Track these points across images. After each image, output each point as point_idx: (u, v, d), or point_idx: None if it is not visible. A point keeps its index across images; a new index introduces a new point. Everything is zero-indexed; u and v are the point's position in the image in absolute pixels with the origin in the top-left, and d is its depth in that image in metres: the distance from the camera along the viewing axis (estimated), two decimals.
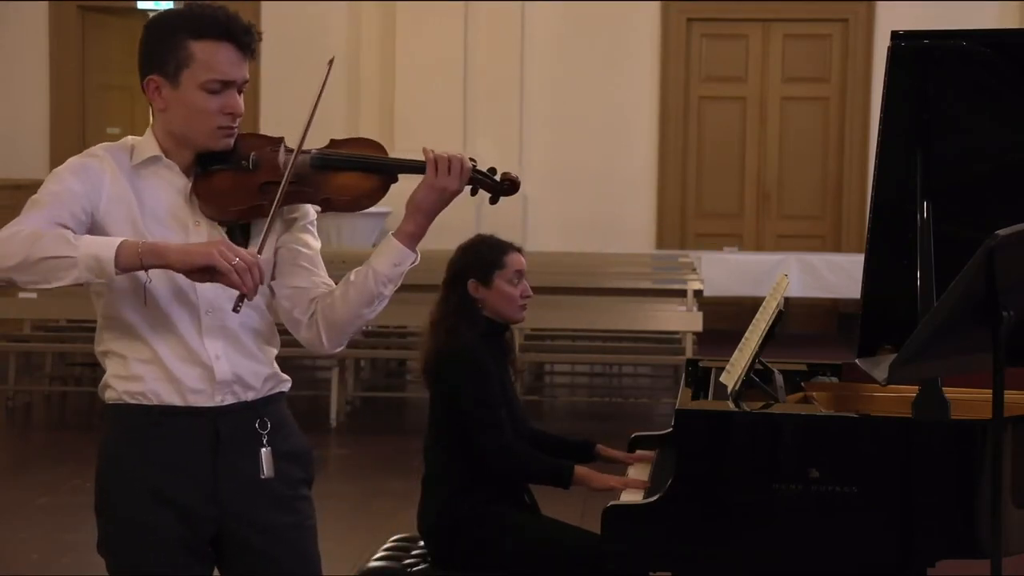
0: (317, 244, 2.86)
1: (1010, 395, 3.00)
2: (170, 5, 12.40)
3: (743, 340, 3.73)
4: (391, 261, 2.75)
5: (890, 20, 10.39)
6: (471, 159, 2.82)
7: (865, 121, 11.59)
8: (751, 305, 9.23)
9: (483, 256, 3.96)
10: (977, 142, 3.70)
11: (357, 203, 2.76)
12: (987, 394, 2.78)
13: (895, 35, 3.55)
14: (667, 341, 9.00)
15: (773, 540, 3.28)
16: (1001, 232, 2.61)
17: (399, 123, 11.31)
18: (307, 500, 2.87)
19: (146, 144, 2.73)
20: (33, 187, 2.74)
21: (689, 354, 7.66)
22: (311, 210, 2.83)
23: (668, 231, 11.99)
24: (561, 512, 4.13)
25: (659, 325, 8.72)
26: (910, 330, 2.82)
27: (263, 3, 11.90)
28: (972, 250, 2.62)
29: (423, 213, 2.75)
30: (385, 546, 4.11)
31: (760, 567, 3.29)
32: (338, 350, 2.86)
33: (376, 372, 9.60)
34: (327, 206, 2.77)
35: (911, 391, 3.44)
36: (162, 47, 2.68)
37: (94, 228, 2.64)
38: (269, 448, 2.76)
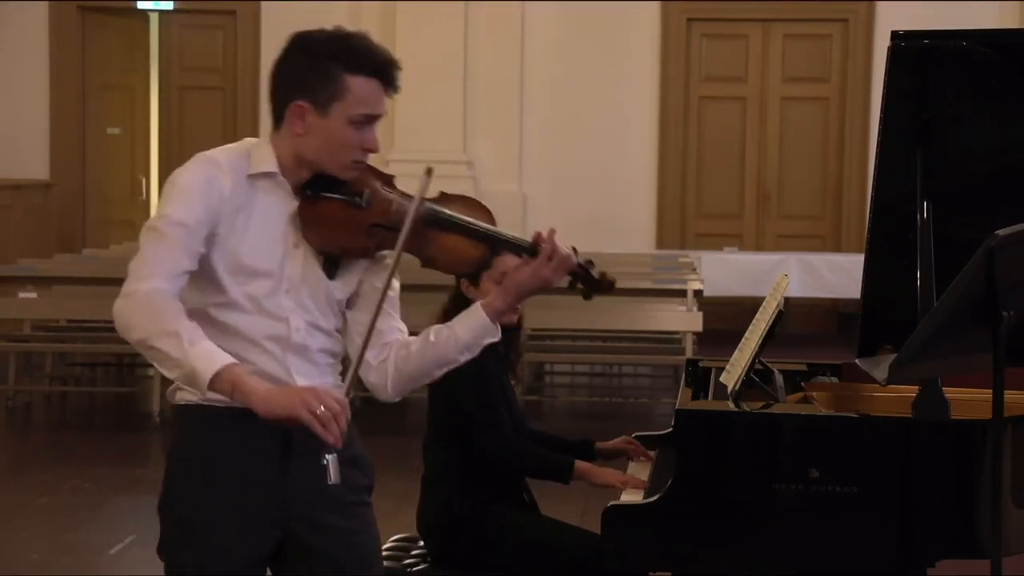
0: (398, 286, 2.87)
1: (1010, 395, 3.00)
2: (169, 6, 12.41)
3: (743, 340, 3.73)
4: (475, 333, 2.81)
5: (890, 20, 10.39)
6: (572, 248, 2.84)
7: (865, 121, 11.58)
8: (751, 305, 9.22)
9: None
10: (977, 142, 3.70)
11: (457, 267, 2.80)
12: (987, 394, 2.78)
13: (895, 35, 3.55)
14: (667, 341, 8.99)
15: (773, 540, 3.28)
16: (1001, 232, 2.61)
17: (399, 123, 11.30)
18: (369, 506, 2.90)
19: (265, 156, 2.73)
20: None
21: (689, 354, 7.66)
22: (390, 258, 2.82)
23: (668, 231, 11.99)
24: (561, 512, 4.13)
25: (659, 325, 8.72)
26: (910, 330, 2.82)
27: (263, 3, 11.91)
28: (972, 250, 2.62)
29: (519, 296, 2.81)
30: (385, 546, 4.10)
31: (760, 567, 3.29)
32: (398, 399, 2.90)
33: None
34: (429, 263, 2.77)
35: (911, 391, 3.44)
36: (316, 75, 2.69)
37: (208, 241, 2.66)
38: (335, 454, 2.77)
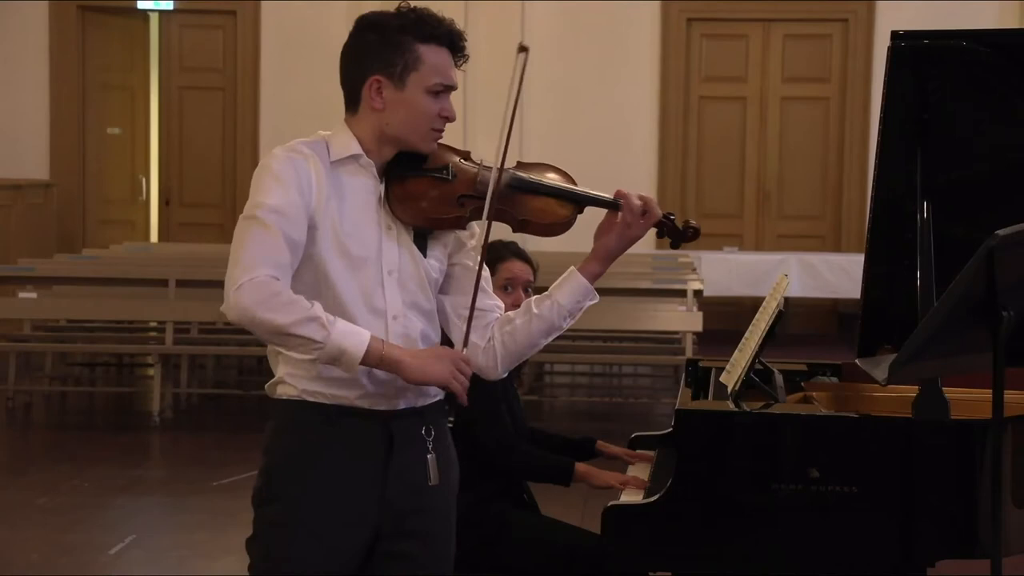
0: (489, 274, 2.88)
1: (1010, 395, 3.00)
2: (170, 6, 12.41)
3: (743, 340, 3.73)
4: (575, 298, 2.82)
5: (890, 20, 10.40)
6: (668, 213, 2.85)
7: (865, 121, 11.58)
8: (751, 305, 9.24)
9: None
10: (977, 142, 3.71)
11: (553, 228, 2.81)
12: (987, 394, 2.77)
13: (895, 35, 3.55)
14: (667, 341, 8.99)
15: (773, 540, 3.28)
16: (1001, 232, 2.61)
17: None
18: (455, 509, 2.90)
19: (345, 142, 2.73)
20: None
21: (689, 354, 7.66)
22: (479, 230, 2.84)
23: None
24: (561, 512, 4.13)
25: (659, 325, 8.72)
26: (910, 330, 2.82)
27: (263, 3, 11.91)
28: (972, 250, 2.62)
29: (611, 257, 2.82)
30: None
31: (760, 567, 3.29)
32: (506, 375, 2.91)
33: None
34: (525, 228, 2.80)
35: (911, 391, 3.44)
36: (389, 48, 2.70)
37: (309, 231, 2.65)
38: (434, 455, 2.78)
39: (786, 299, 3.86)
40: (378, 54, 2.71)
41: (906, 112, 3.58)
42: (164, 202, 12.66)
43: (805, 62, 11.96)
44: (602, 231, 2.82)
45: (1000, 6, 11.42)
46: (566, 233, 2.84)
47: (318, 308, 2.57)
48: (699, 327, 8.15)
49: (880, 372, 3.37)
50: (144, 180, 12.73)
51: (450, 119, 2.76)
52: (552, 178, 2.84)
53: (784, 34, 11.96)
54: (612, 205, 2.82)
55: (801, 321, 11.24)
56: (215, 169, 12.36)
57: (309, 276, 2.67)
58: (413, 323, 2.74)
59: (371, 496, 2.72)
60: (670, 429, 3.84)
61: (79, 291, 8.97)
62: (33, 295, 8.72)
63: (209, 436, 8.08)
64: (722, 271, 10.69)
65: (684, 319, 8.31)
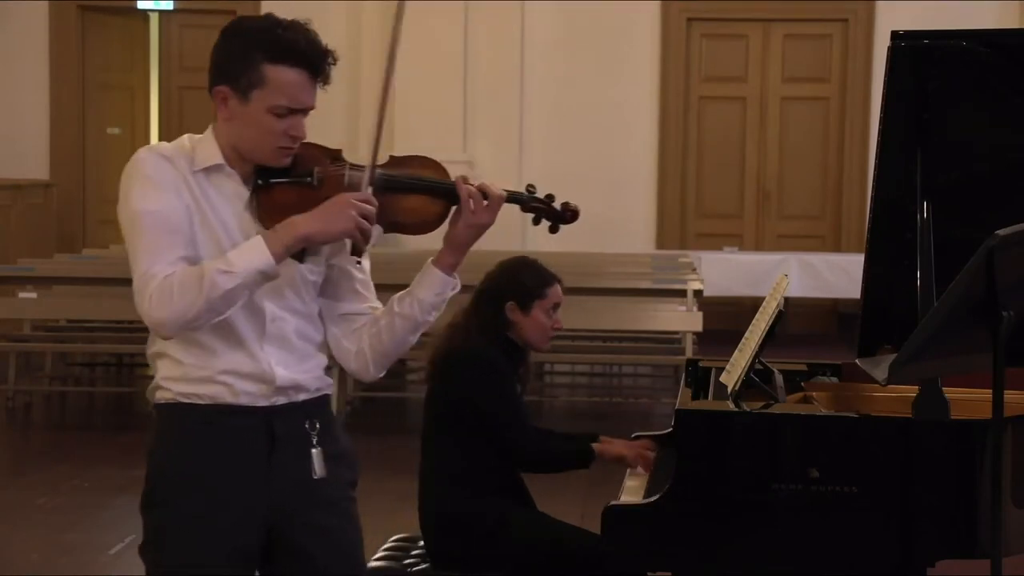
0: (368, 266, 2.87)
1: (1010, 395, 2.99)
2: (170, 6, 12.41)
3: (743, 340, 3.73)
4: (434, 291, 2.80)
5: (890, 20, 10.39)
6: (529, 186, 2.86)
7: (865, 121, 11.58)
8: (751, 305, 9.24)
9: (527, 282, 4.00)
10: (977, 142, 3.70)
11: (423, 227, 2.77)
12: (987, 394, 2.77)
13: (895, 35, 3.55)
14: (667, 341, 8.99)
15: (773, 540, 3.28)
16: (1001, 232, 2.61)
17: (399, 123, 11.30)
18: (354, 502, 2.89)
19: (209, 150, 2.72)
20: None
21: (689, 354, 7.65)
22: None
23: (668, 231, 11.98)
24: (561, 512, 4.13)
25: (659, 325, 8.72)
26: (910, 330, 2.82)
27: (263, 3, 11.90)
28: (972, 250, 2.62)
29: (462, 248, 2.79)
30: (385, 546, 4.11)
31: (760, 567, 3.29)
32: (381, 375, 2.90)
33: None
34: (394, 228, 2.77)
35: (911, 391, 3.44)
36: (236, 61, 2.67)
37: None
38: (320, 448, 2.78)
39: (786, 299, 3.86)
40: (228, 64, 2.68)
41: (906, 112, 3.58)
42: None
43: (805, 62, 11.96)
44: (452, 220, 2.79)
45: (1000, 6, 11.42)
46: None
47: (206, 265, 2.58)
48: (699, 327, 8.15)
49: (880, 372, 3.37)
50: None
51: (299, 138, 2.70)
52: (423, 173, 2.78)
53: (784, 34, 11.96)
54: (453, 194, 2.76)
55: (801, 321, 11.24)
56: None
57: None
58: (291, 323, 2.74)
59: (257, 493, 2.72)
60: (670, 429, 3.84)
61: (79, 291, 8.96)
62: (33, 295, 8.71)
63: None
64: (722, 271, 10.68)
65: (684, 319, 8.31)
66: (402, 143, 11.38)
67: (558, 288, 4.05)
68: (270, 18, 2.70)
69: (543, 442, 4.05)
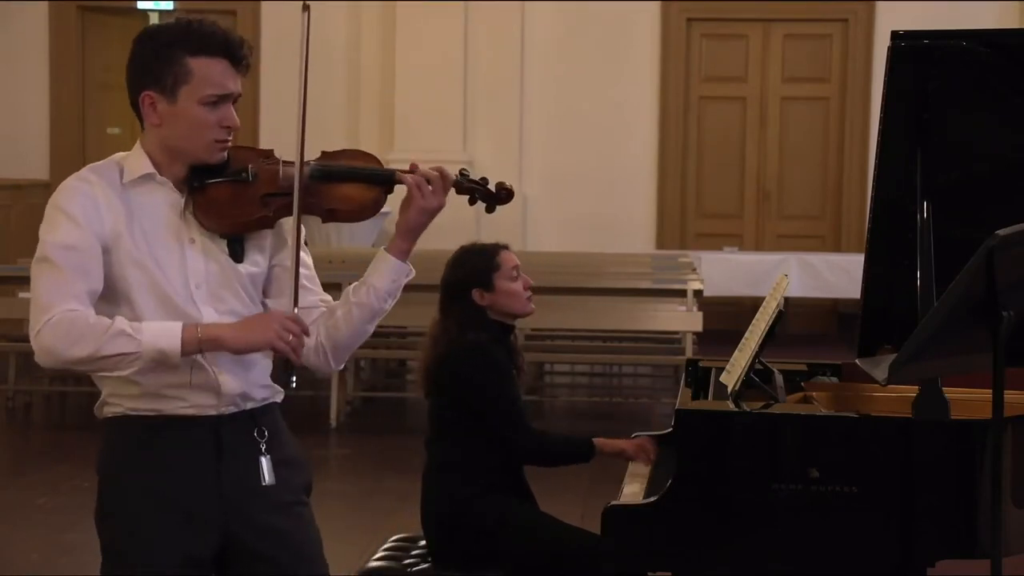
0: (310, 260, 2.88)
1: (1010, 395, 2.99)
2: (170, 6, 12.40)
3: (743, 340, 3.73)
4: (389, 278, 2.81)
5: (890, 20, 10.38)
6: (463, 169, 2.89)
7: (865, 121, 11.58)
8: (751, 305, 9.24)
9: (477, 264, 4.00)
10: (977, 142, 3.70)
11: (361, 213, 2.80)
12: (987, 394, 2.78)
13: (895, 35, 3.55)
14: (667, 341, 8.99)
15: (773, 540, 3.28)
16: (1001, 232, 2.61)
17: (399, 123, 11.30)
18: (307, 506, 2.89)
19: (137, 161, 2.74)
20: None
21: (689, 354, 7.65)
22: (303, 228, 2.82)
23: (668, 231, 11.98)
24: (561, 511, 4.13)
25: (659, 325, 8.72)
26: (910, 330, 2.82)
27: (263, 3, 11.90)
28: (972, 250, 2.62)
29: (413, 232, 2.81)
30: (385, 546, 4.11)
31: (760, 567, 3.29)
32: (342, 367, 2.89)
33: (376, 372, 9.60)
34: (331, 216, 2.81)
35: (911, 391, 3.44)
36: (158, 63, 2.70)
37: (105, 257, 2.66)
38: (268, 456, 2.79)
39: (786, 299, 3.86)
40: (148, 69, 2.72)
41: (906, 112, 3.58)
42: None
43: (805, 62, 11.96)
44: (403, 206, 2.81)
45: (1000, 6, 11.42)
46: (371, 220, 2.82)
47: (120, 321, 2.59)
48: (699, 327, 8.15)
49: (880, 372, 3.37)
50: None
51: (232, 127, 2.73)
52: (356, 163, 2.82)
53: (784, 34, 11.96)
54: (395, 180, 2.80)
55: (801, 321, 11.24)
56: None
57: (114, 302, 2.68)
58: None
59: (207, 500, 2.73)
60: (670, 429, 3.84)
61: None
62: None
63: None
64: (722, 271, 10.68)
65: (684, 319, 8.31)
66: (402, 143, 11.39)
67: (507, 253, 4.04)
68: (180, 20, 2.75)
69: (546, 444, 4.06)
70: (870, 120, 11.39)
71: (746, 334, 3.75)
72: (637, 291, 8.75)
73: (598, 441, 4.01)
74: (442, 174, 2.80)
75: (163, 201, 2.73)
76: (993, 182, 3.72)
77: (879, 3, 11.62)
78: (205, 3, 12.42)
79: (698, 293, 8.48)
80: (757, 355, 3.61)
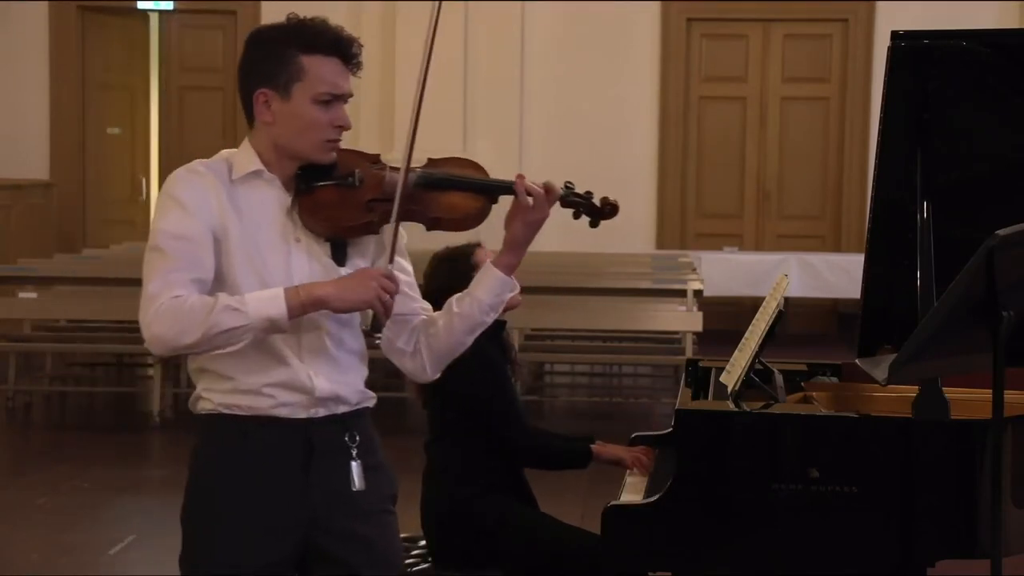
0: (411, 267, 2.87)
1: (1010, 395, 2.99)
2: (170, 6, 12.40)
3: (743, 340, 3.73)
4: (494, 291, 2.82)
5: (890, 20, 10.39)
6: (568, 183, 2.88)
7: (865, 121, 11.58)
8: (751, 305, 9.23)
9: (452, 269, 3.98)
10: (977, 142, 3.70)
11: (465, 223, 2.79)
12: (987, 394, 2.77)
13: (895, 35, 3.55)
14: (667, 341, 8.99)
15: (773, 540, 3.28)
16: (1001, 232, 2.61)
17: (399, 123, 11.30)
18: (394, 515, 2.88)
19: (246, 158, 2.73)
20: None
21: (689, 354, 7.65)
22: (403, 233, 2.82)
23: (668, 231, 11.98)
24: (561, 512, 4.13)
25: (659, 325, 8.72)
26: (910, 330, 2.82)
27: (263, 3, 11.91)
28: (972, 250, 2.62)
29: (521, 246, 2.82)
30: None
31: (760, 567, 3.29)
32: (438, 376, 2.90)
33: (376, 372, 9.57)
34: (436, 225, 2.80)
35: (911, 391, 3.44)
36: (272, 60, 2.69)
37: (216, 248, 2.66)
38: (359, 461, 2.78)
39: (786, 299, 3.86)
40: (262, 67, 2.70)
41: (906, 112, 3.58)
42: None
43: (805, 62, 11.96)
44: (508, 220, 2.81)
45: (1000, 6, 11.42)
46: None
47: (223, 297, 2.59)
48: (699, 327, 8.15)
49: (880, 372, 3.37)
50: (144, 180, 12.73)
51: (344, 127, 2.74)
52: (462, 172, 2.81)
53: (784, 34, 11.96)
54: (508, 190, 2.80)
55: (801, 321, 11.24)
56: None
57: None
58: (331, 334, 2.74)
59: (293, 504, 2.72)
60: (670, 429, 3.84)
61: (79, 291, 8.96)
62: (33, 295, 8.71)
63: None
64: (722, 271, 10.68)
65: (684, 319, 8.31)
66: (402, 142, 11.37)
67: (482, 250, 4.01)
68: (293, 17, 2.74)
69: (540, 437, 4.06)
70: (870, 120, 11.40)
71: (746, 334, 3.75)
72: (637, 291, 8.75)
73: (596, 448, 4.00)
74: (547, 188, 2.79)
75: (271, 199, 2.73)
76: (993, 182, 3.72)
77: (879, 3, 11.62)
78: (205, 3, 12.43)
79: (698, 293, 8.48)
80: (757, 355, 3.61)
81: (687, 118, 11.99)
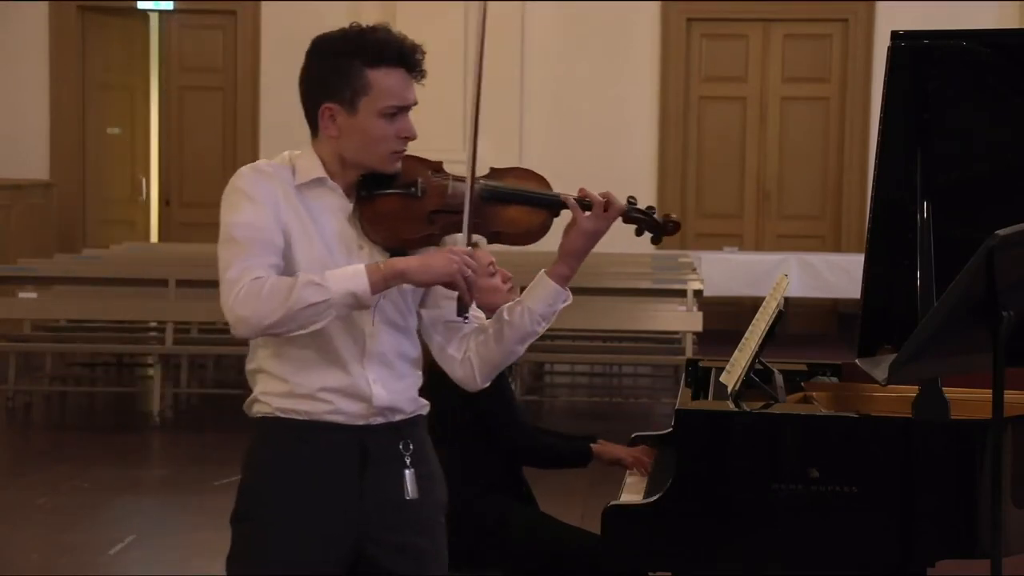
0: None
1: (1010, 395, 2.99)
2: (170, 6, 12.40)
3: (743, 340, 3.73)
4: (546, 302, 2.81)
5: (890, 20, 10.38)
6: (631, 198, 2.84)
7: (865, 121, 11.58)
8: (751, 305, 9.24)
9: None
10: (977, 142, 3.71)
11: (526, 237, 2.77)
12: (987, 394, 2.77)
13: (895, 35, 3.55)
14: (667, 341, 8.99)
15: (773, 540, 3.28)
16: (1001, 232, 2.61)
17: None
18: (443, 526, 2.86)
19: (309, 164, 2.71)
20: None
21: (689, 354, 7.65)
22: (460, 239, 2.79)
23: None
24: (561, 511, 4.13)
25: (659, 325, 8.71)
26: (910, 330, 2.82)
27: (263, 3, 11.91)
28: (972, 250, 2.62)
29: (577, 257, 2.80)
30: None
31: (760, 567, 3.29)
32: (487, 384, 2.87)
33: None
34: (497, 239, 2.78)
35: (911, 391, 3.44)
36: (337, 75, 2.67)
37: (284, 245, 2.65)
38: (412, 469, 2.76)
39: (786, 299, 3.86)
40: (327, 81, 2.68)
41: (906, 112, 3.58)
42: (164, 202, 12.65)
43: (805, 62, 11.96)
44: (567, 231, 2.80)
45: (1000, 6, 11.42)
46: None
47: (304, 274, 2.57)
48: (699, 327, 8.15)
49: (880, 372, 3.37)
50: (144, 180, 12.73)
51: (410, 138, 2.73)
52: (525, 184, 2.80)
53: (784, 34, 11.96)
54: (584, 205, 2.78)
55: (801, 321, 11.24)
56: (215, 169, 12.35)
57: None
58: (389, 340, 2.73)
59: (347, 511, 2.70)
60: (670, 429, 3.84)
61: (79, 291, 8.96)
62: (33, 295, 8.71)
63: (209, 436, 8.08)
64: (722, 271, 10.68)
65: (684, 319, 8.31)
66: None
67: (479, 252, 4.01)
68: (354, 27, 2.72)
69: (540, 436, 4.07)
70: (870, 120, 11.39)
71: (746, 334, 3.75)
72: (637, 291, 8.75)
73: (596, 448, 4.00)
74: (609, 199, 2.77)
75: (334, 206, 2.71)
76: (993, 182, 3.72)
77: (879, 3, 11.62)
78: (205, 3, 12.43)
79: (698, 293, 8.48)
80: (757, 355, 3.61)
81: (687, 118, 11.99)
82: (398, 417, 2.76)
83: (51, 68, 12.14)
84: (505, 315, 2.80)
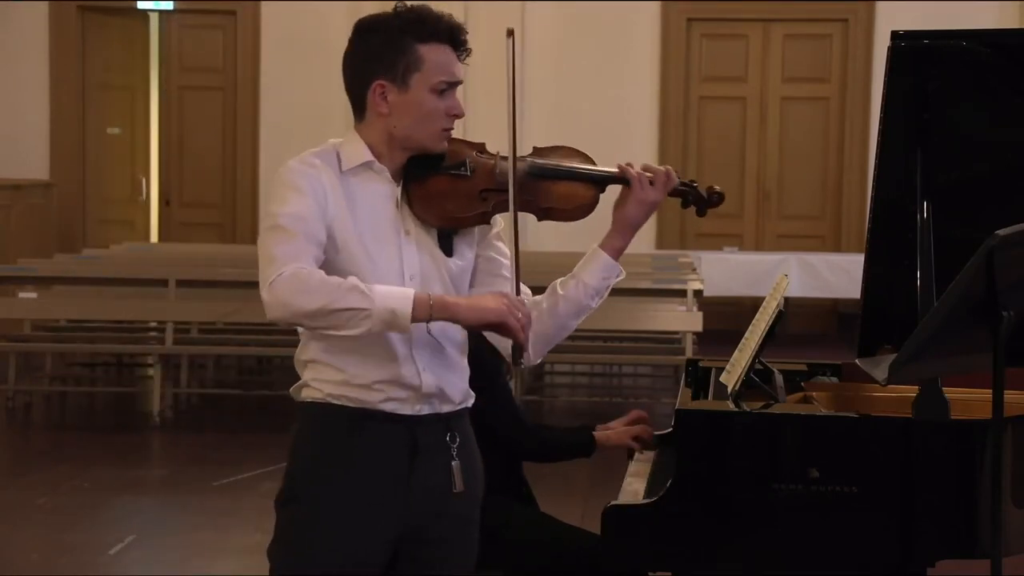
0: (508, 252, 2.84)
1: (1010, 395, 2.99)
2: (170, 6, 12.40)
3: (743, 340, 3.73)
4: (600, 275, 2.80)
5: (890, 20, 10.39)
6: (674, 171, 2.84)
7: (865, 121, 11.59)
8: (751, 305, 9.24)
9: None
10: (977, 142, 3.70)
11: (577, 213, 2.79)
12: (987, 394, 2.77)
13: (895, 35, 3.55)
14: (667, 341, 8.99)
15: (773, 540, 3.27)
16: (1001, 232, 2.61)
17: None
18: (477, 524, 2.87)
19: (356, 149, 2.71)
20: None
21: (689, 354, 7.65)
22: (500, 219, 2.80)
23: (668, 231, 11.98)
24: (561, 511, 4.13)
25: (659, 325, 8.72)
26: (910, 330, 2.82)
27: (263, 3, 11.91)
28: (972, 250, 2.62)
29: (631, 228, 2.82)
30: None
31: (760, 567, 3.29)
32: (540, 360, 2.86)
33: None
34: (547, 215, 2.79)
35: (911, 391, 3.44)
36: (389, 51, 2.68)
37: (329, 243, 2.64)
38: (458, 461, 2.76)
39: (786, 299, 3.86)
40: (379, 58, 2.69)
41: (906, 112, 3.58)
42: (164, 202, 12.66)
43: (805, 62, 11.96)
44: (619, 204, 2.81)
45: (1000, 6, 11.42)
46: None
47: (353, 279, 2.55)
48: (699, 327, 8.15)
49: (880, 372, 3.37)
50: (144, 180, 12.73)
51: (458, 115, 2.75)
52: (570, 160, 2.81)
53: (784, 34, 11.96)
54: (624, 181, 2.80)
55: (801, 321, 11.24)
56: (215, 169, 12.36)
57: None
58: (439, 326, 2.70)
59: (394, 500, 2.70)
60: (670, 429, 3.84)
61: (79, 291, 8.96)
62: (33, 295, 8.72)
63: (209, 436, 8.09)
64: (722, 271, 10.68)
65: (684, 319, 8.31)
66: None
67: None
68: (400, 6, 2.74)
69: (541, 432, 4.07)
70: (870, 120, 11.40)
71: (746, 334, 3.75)
72: (637, 291, 8.75)
73: (599, 436, 3.99)
74: (667, 171, 2.81)
75: (381, 191, 2.71)
76: (993, 182, 3.72)
77: (879, 3, 11.62)
78: (205, 3, 12.43)
79: (698, 293, 8.48)
80: (757, 355, 3.61)
81: (687, 118, 11.99)
82: (446, 408, 2.76)
83: (51, 68, 12.15)
84: (559, 289, 2.79)
